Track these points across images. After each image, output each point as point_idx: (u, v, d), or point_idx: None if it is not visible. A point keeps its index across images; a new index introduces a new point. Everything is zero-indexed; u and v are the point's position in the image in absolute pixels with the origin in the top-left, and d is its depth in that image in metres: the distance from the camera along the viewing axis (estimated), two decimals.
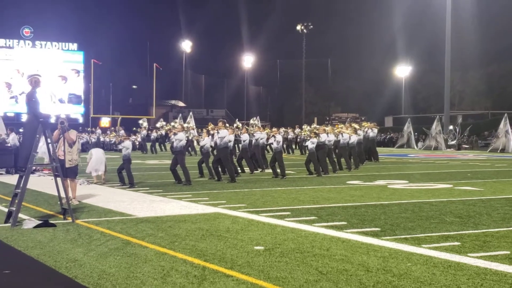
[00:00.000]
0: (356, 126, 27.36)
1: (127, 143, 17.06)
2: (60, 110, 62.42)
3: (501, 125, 45.32)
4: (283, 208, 11.88)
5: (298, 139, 39.73)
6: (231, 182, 17.68)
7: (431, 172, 23.08)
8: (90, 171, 17.76)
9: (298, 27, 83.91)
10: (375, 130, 30.15)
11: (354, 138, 24.40)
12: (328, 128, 23.64)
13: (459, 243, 8.22)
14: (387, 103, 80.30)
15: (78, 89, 70.36)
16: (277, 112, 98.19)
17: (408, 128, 54.48)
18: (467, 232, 9.15)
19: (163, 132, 37.47)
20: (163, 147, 42.81)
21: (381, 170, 23.64)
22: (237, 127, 23.18)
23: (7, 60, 66.40)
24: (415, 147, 52.72)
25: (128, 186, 16.25)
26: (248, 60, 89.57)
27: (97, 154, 17.93)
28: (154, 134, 41.77)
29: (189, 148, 35.13)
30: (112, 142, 42.39)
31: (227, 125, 19.78)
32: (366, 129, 28.42)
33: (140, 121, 24.58)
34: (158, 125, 31.07)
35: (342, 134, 23.75)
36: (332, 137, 22.73)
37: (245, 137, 22.02)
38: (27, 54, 67.17)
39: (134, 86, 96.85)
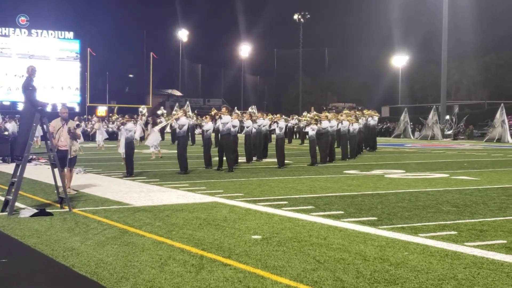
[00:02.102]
0: (357, 114, 27.42)
1: (130, 125, 16.98)
2: (56, 98, 62.16)
3: (497, 115, 45.41)
4: (280, 198, 11.89)
5: (295, 128, 39.64)
6: (228, 172, 17.64)
7: (427, 161, 23.11)
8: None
9: (295, 16, 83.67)
10: (376, 118, 30.18)
11: (355, 126, 24.35)
12: (331, 115, 23.59)
13: (455, 232, 8.24)
14: (384, 93, 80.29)
15: (74, 78, 70.15)
16: (274, 101, 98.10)
17: (404, 118, 54.53)
18: (463, 221, 9.18)
19: (163, 119, 37.38)
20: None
21: (378, 160, 23.66)
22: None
23: (3, 48, 66.12)
24: (412, 137, 52.79)
25: (126, 175, 16.19)
26: (245, 50, 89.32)
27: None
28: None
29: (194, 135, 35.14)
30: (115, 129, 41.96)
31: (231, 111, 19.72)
32: (366, 117, 28.43)
33: (140, 109, 24.46)
34: (159, 112, 31.04)
35: (342, 122, 23.72)
36: (334, 123, 22.67)
37: (248, 123, 21.85)
38: (23, 43, 66.87)
39: (131, 75, 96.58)
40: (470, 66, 79.79)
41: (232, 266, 6.40)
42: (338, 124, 23.54)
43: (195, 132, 36.95)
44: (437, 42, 59.75)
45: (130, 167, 16.41)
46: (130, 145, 16.66)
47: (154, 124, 32.26)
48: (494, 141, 44.19)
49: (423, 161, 23.18)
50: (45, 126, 10.30)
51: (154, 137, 23.34)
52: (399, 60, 79.36)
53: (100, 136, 31.79)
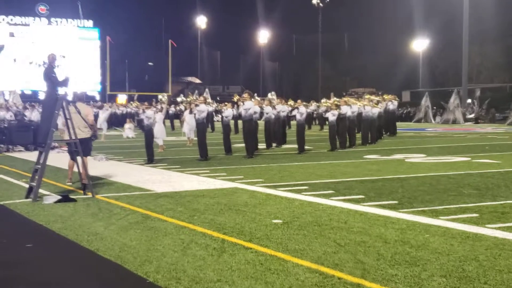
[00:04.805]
0: (378, 98, 27.40)
1: (150, 113, 17.14)
2: (76, 87, 62.52)
3: None
4: (300, 183, 11.92)
5: (315, 114, 39.55)
6: (248, 157, 17.66)
7: (449, 145, 22.96)
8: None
9: (314, 1, 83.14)
10: (395, 103, 30.18)
11: (375, 111, 24.27)
12: (352, 100, 23.53)
13: (477, 215, 8.21)
14: (404, 78, 79.60)
15: (94, 66, 70.71)
16: (293, 87, 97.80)
17: (425, 102, 54.08)
18: (485, 204, 9.14)
19: (182, 107, 37.42)
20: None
21: (399, 144, 23.56)
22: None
23: (23, 37, 66.73)
24: (433, 121, 52.38)
25: (147, 162, 16.32)
26: (263, 36, 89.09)
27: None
28: (172, 110, 41.73)
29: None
30: (133, 112, 41.68)
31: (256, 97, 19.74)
32: (386, 102, 28.38)
33: (160, 96, 24.58)
34: (178, 99, 31.15)
35: (364, 107, 23.68)
36: (355, 108, 22.63)
37: (268, 109, 21.78)
38: (42, 32, 67.44)
39: (150, 63, 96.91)
40: (491, 49, 78.64)
41: (253, 250, 6.46)
42: (359, 109, 23.49)
43: (214, 119, 37.09)
44: (458, 26, 59.03)
45: (150, 154, 16.54)
46: (149, 132, 16.80)
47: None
48: None
49: (444, 145, 23.04)
50: (67, 113, 10.42)
51: (189, 124, 23.75)
52: (420, 44, 78.59)
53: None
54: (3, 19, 67.18)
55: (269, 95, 24.42)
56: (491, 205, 9.04)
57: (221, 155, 18.81)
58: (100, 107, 35.99)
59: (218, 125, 33.47)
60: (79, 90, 17.04)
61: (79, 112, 11.37)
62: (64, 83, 10.56)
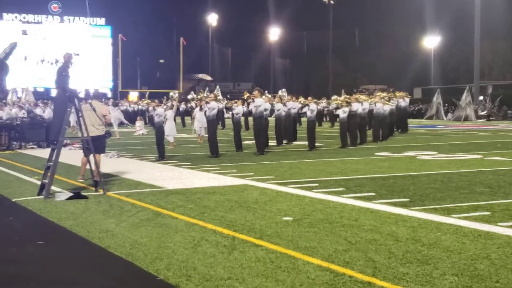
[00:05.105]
0: (389, 95, 27.33)
1: (160, 110, 17.21)
2: (88, 84, 62.84)
3: None
4: (311, 180, 11.90)
5: (325, 111, 39.44)
6: (258, 154, 17.67)
7: (460, 143, 22.83)
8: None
9: None
10: (407, 100, 30.10)
11: (387, 108, 24.19)
12: (363, 97, 23.47)
13: (489, 213, 8.17)
14: (415, 74, 79.16)
15: (106, 63, 70.95)
16: (303, 84, 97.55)
17: (437, 99, 53.78)
18: (497, 201, 9.09)
19: (193, 104, 37.45)
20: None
21: (410, 142, 23.46)
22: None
23: (35, 35, 67.05)
24: (444, 118, 52.10)
25: (158, 159, 16.38)
26: (274, 33, 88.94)
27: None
28: (183, 107, 41.77)
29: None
30: (144, 109, 41.55)
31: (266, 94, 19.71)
32: (397, 99, 28.29)
33: (171, 93, 24.57)
34: (189, 97, 31.14)
35: (375, 104, 23.62)
36: (366, 105, 22.56)
37: (279, 106, 21.77)
38: (55, 29, 67.73)
39: (161, 60, 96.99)
40: (503, 46, 78.16)
41: (264, 247, 6.46)
42: (370, 106, 23.43)
43: (225, 116, 37.09)
44: (469, 22, 58.66)
45: (161, 151, 16.59)
46: (160, 129, 16.86)
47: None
48: None
49: (456, 143, 22.91)
50: (79, 112, 10.47)
51: (199, 121, 23.73)
52: (431, 41, 78.16)
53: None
54: (16, 17, 67.56)
55: (280, 92, 24.32)
56: (503, 203, 8.98)
57: (231, 152, 18.81)
58: (115, 105, 35.99)
59: (228, 122, 33.51)
60: (93, 88, 17.16)
61: (94, 110, 11.41)
62: (69, 90, 10.50)
